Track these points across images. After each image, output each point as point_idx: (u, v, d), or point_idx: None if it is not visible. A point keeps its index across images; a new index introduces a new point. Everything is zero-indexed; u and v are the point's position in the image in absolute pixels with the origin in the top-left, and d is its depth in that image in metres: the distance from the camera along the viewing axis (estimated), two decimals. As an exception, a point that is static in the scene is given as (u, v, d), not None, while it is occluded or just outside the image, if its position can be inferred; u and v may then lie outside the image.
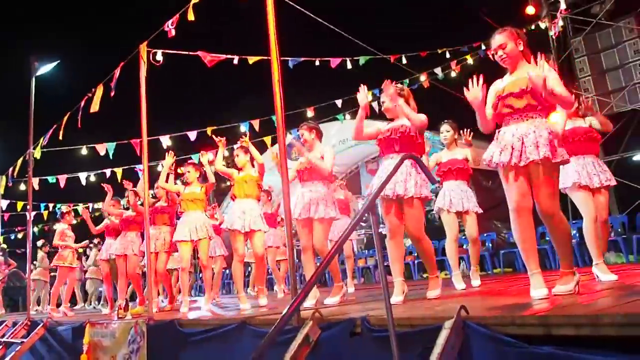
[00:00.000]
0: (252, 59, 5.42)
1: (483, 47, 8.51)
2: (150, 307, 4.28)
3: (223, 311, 4.89)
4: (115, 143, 7.11)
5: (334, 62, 6.14)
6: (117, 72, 4.76)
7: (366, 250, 11.33)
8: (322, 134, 4.66)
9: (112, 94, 4.80)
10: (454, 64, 9.01)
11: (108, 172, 8.24)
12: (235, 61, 5.27)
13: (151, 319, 4.19)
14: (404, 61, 7.18)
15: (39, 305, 9.90)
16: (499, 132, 3.07)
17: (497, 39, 3.05)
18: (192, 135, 7.82)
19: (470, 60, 9.17)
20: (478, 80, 2.98)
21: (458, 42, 8.20)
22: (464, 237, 6.14)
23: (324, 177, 4.44)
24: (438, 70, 8.93)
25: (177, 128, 7.69)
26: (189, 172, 5.66)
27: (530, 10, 10.16)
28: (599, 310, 1.91)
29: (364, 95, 3.72)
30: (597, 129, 4.21)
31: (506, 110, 3.01)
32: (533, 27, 9.87)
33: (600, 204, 4.10)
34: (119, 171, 8.19)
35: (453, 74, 9.15)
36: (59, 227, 7.51)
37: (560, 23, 9.46)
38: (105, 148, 7.08)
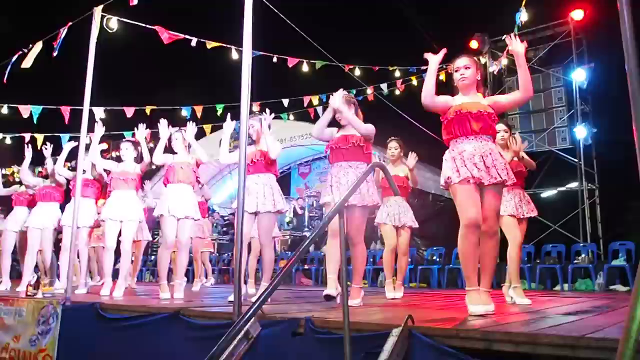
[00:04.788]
0: (210, 44, 5.27)
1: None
2: (68, 287, 4.00)
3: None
4: (42, 107, 6.59)
5: (292, 61, 6.12)
6: (63, 31, 4.45)
7: (289, 252, 11.34)
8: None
9: (55, 54, 4.47)
10: (399, 83, 9.35)
11: (27, 136, 7.62)
12: (193, 43, 5.09)
13: (67, 300, 3.92)
14: (357, 72, 7.32)
15: None
16: (453, 149, 3.21)
17: (464, 59, 3.25)
18: (129, 112, 7.44)
19: (414, 81, 9.55)
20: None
21: (408, 63, 8.50)
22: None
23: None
24: (384, 86, 9.21)
25: (114, 102, 7.28)
26: (126, 149, 5.36)
27: (473, 44, 10.78)
28: (538, 330, 2.06)
29: (338, 99, 3.80)
30: (526, 164, 4.54)
31: (461, 128, 3.19)
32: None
33: (521, 232, 4.43)
34: (40, 137, 7.60)
35: (397, 92, 9.49)
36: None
37: (505, 62, 10.08)
38: (29, 110, 6.54)
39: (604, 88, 9.66)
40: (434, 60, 3.19)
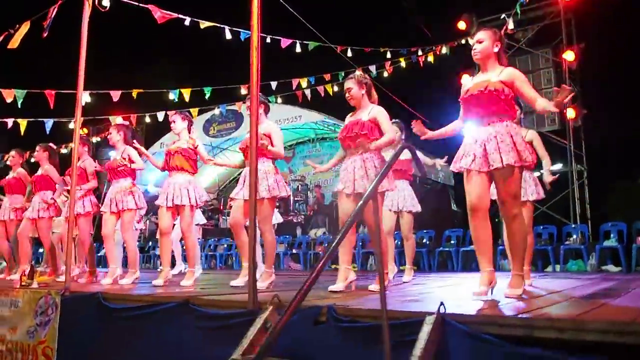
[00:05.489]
0: (204, 24, 5.06)
1: (420, 53, 8.78)
2: (67, 276, 3.85)
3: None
4: (26, 91, 6.30)
5: (285, 42, 5.96)
6: (54, 10, 4.21)
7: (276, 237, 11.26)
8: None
9: (45, 34, 4.23)
10: (388, 65, 9.24)
11: (10, 122, 7.31)
12: (187, 22, 4.88)
13: (67, 290, 3.77)
14: (349, 54, 7.18)
15: None
16: (466, 135, 3.19)
17: (478, 34, 3.20)
18: (116, 95, 7.18)
19: (403, 63, 9.45)
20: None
21: (399, 45, 8.40)
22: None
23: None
24: (372, 68, 9.09)
25: (99, 85, 7.01)
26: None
27: (461, 25, 10.69)
28: (580, 315, 2.01)
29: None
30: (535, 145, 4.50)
31: (467, 112, 3.18)
32: (464, 41, 10.35)
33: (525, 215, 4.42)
34: (23, 123, 7.30)
35: (385, 74, 9.39)
36: None
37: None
38: (13, 94, 6.25)
39: (594, 69, 9.71)
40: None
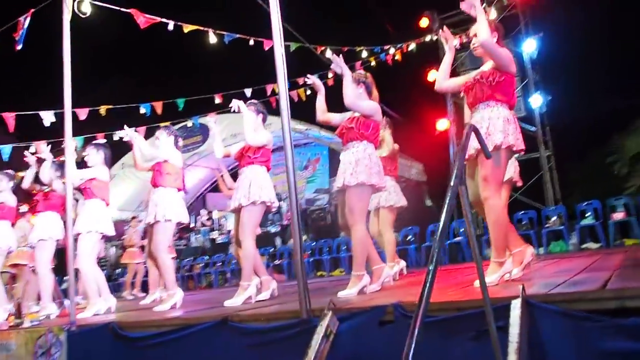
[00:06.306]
0: (187, 27, 4.81)
1: (392, 51, 8.83)
2: (72, 309, 3.50)
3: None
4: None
5: (267, 44, 5.78)
6: (25, 21, 3.87)
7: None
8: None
9: (18, 47, 3.88)
10: (359, 64, 9.25)
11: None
12: (170, 27, 4.61)
13: (73, 325, 3.42)
14: (328, 54, 7.08)
15: None
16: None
17: (472, 28, 3.22)
18: (83, 113, 6.74)
19: (373, 62, 9.47)
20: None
21: (371, 44, 8.41)
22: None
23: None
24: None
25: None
26: (89, 154, 4.92)
27: (423, 22, 10.84)
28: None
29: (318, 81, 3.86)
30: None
31: (468, 101, 3.20)
32: (427, 38, 10.50)
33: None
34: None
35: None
36: None
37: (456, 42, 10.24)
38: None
39: (553, 56, 10.07)
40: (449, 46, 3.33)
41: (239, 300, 3.74)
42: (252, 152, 4.10)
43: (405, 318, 2.31)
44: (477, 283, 2.42)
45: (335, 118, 3.88)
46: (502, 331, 2.00)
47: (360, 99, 3.64)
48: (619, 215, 7.64)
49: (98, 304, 4.50)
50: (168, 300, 4.24)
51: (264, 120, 4.31)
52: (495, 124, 2.95)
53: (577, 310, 1.95)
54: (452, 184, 1.78)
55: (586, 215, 8.12)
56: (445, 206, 1.72)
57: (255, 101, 4.44)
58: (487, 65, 3.18)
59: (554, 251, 8.16)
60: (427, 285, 1.40)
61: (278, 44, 2.86)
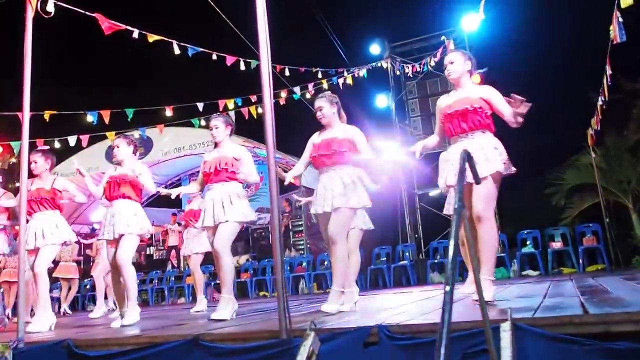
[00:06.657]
0: (152, 37, 4.64)
1: (346, 74, 9.00)
2: (19, 325, 3.19)
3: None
4: None
5: (230, 59, 5.71)
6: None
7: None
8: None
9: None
10: (311, 86, 9.35)
11: None
12: (135, 35, 4.43)
13: (20, 342, 3.11)
14: (287, 73, 7.11)
15: None
16: (447, 150, 3.30)
17: (448, 56, 3.38)
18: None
19: (325, 84, 9.61)
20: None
21: (328, 66, 8.54)
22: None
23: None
24: (297, 89, 9.13)
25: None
26: (35, 162, 4.61)
27: (374, 49, 11.18)
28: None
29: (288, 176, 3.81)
30: None
31: (453, 128, 3.28)
32: (378, 65, 10.81)
33: None
34: None
35: (308, 96, 9.46)
36: None
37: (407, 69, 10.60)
38: None
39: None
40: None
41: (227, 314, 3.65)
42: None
43: (391, 339, 2.29)
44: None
45: (300, 169, 3.93)
46: (486, 354, 2.04)
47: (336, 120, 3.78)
48: (557, 245, 8.09)
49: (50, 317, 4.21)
50: (132, 311, 4.01)
51: (231, 132, 4.23)
52: (491, 150, 3.13)
53: (564, 334, 2.02)
54: (456, 206, 1.80)
55: (527, 243, 8.55)
56: (454, 228, 1.73)
57: (225, 114, 4.39)
58: (463, 93, 3.28)
59: (497, 277, 8.49)
60: (447, 305, 1.39)
61: (265, 66, 2.80)
